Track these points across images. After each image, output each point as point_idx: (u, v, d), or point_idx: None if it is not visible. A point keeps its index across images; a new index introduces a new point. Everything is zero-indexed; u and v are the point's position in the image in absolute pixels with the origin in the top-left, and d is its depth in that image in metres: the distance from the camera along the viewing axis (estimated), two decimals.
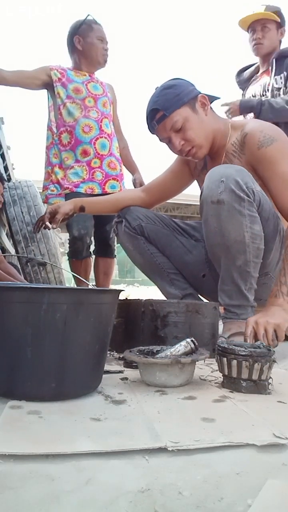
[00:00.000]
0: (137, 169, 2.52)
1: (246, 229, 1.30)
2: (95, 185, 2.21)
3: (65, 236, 2.47)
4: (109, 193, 2.17)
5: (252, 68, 2.59)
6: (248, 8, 2.61)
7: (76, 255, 2.30)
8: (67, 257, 2.41)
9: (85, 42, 2.26)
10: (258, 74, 2.54)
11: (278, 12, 2.40)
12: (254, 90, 2.52)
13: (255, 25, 2.42)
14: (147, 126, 1.48)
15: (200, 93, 1.46)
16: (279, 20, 2.39)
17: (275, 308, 1.17)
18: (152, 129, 1.47)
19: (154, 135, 1.50)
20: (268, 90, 2.41)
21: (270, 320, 1.10)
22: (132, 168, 2.51)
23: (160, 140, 1.50)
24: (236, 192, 1.27)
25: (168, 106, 1.40)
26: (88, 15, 2.30)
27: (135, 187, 2.46)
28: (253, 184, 1.32)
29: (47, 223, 1.64)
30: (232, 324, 1.35)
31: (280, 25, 2.42)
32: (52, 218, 1.65)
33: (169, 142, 1.47)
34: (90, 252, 2.36)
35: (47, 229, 1.73)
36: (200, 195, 1.39)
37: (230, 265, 1.34)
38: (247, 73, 2.62)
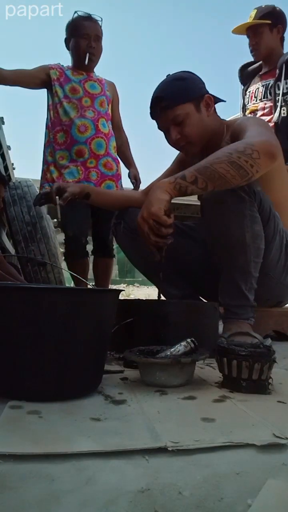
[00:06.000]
0: (133, 164, 2.51)
1: (247, 229, 1.30)
2: (90, 185, 2.20)
3: (61, 237, 2.46)
4: None
5: (256, 65, 2.60)
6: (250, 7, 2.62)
7: (72, 256, 2.28)
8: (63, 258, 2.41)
9: (72, 43, 2.23)
10: (261, 73, 2.55)
11: (269, 13, 2.42)
12: (257, 88, 2.53)
13: (249, 32, 2.47)
14: (149, 110, 1.48)
15: (207, 93, 1.46)
16: (268, 22, 2.40)
17: (155, 188, 1.16)
18: (153, 114, 1.48)
19: (154, 121, 1.49)
20: (271, 93, 2.42)
21: (147, 212, 1.12)
22: (128, 162, 2.49)
23: (158, 128, 1.50)
24: (237, 192, 1.27)
25: (174, 98, 1.41)
26: (75, 12, 2.23)
27: (130, 181, 2.46)
28: (254, 184, 1.32)
29: (56, 197, 1.52)
30: (232, 324, 1.35)
31: (275, 23, 2.42)
32: (59, 195, 1.54)
33: (166, 132, 1.48)
34: (87, 252, 2.35)
35: (54, 204, 1.57)
36: (201, 195, 1.39)
37: (230, 265, 1.34)
38: (250, 69, 2.63)
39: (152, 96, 1.46)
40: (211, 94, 1.47)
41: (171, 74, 1.48)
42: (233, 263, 1.33)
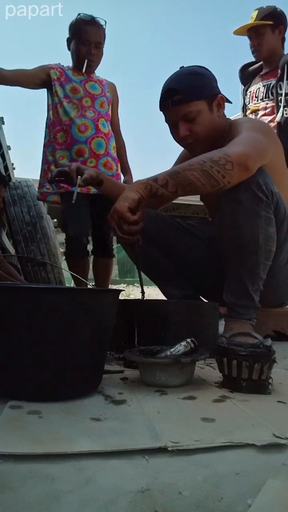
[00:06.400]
0: (129, 172, 2.47)
1: (261, 230, 1.29)
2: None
3: (61, 237, 2.46)
4: None
5: (256, 66, 2.60)
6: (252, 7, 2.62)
7: (73, 255, 2.28)
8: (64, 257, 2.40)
9: (73, 46, 2.22)
10: (262, 73, 2.56)
11: (271, 14, 2.42)
12: (258, 88, 2.53)
13: (250, 33, 2.47)
14: (159, 101, 1.44)
15: (220, 92, 1.45)
16: (270, 23, 2.40)
17: (127, 187, 1.23)
18: (163, 107, 1.44)
19: (161, 112, 1.47)
20: (273, 93, 2.42)
21: (113, 208, 1.17)
22: (124, 168, 2.47)
23: (166, 121, 1.47)
24: (255, 193, 1.26)
25: (190, 93, 1.38)
26: (78, 14, 2.21)
27: None
28: (272, 185, 1.31)
29: (78, 177, 1.39)
30: (235, 324, 1.35)
31: (276, 24, 2.42)
32: (79, 175, 1.41)
33: (174, 127, 1.45)
34: (88, 252, 2.34)
35: (72, 184, 1.44)
36: (218, 193, 1.37)
37: (240, 265, 1.33)
38: (251, 69, 2.63)
39: (164, 87, 1.42)
40: (223, 95, 1.46)
41: (185, 66, 1.44)
42: (243, 263, 1.32)
